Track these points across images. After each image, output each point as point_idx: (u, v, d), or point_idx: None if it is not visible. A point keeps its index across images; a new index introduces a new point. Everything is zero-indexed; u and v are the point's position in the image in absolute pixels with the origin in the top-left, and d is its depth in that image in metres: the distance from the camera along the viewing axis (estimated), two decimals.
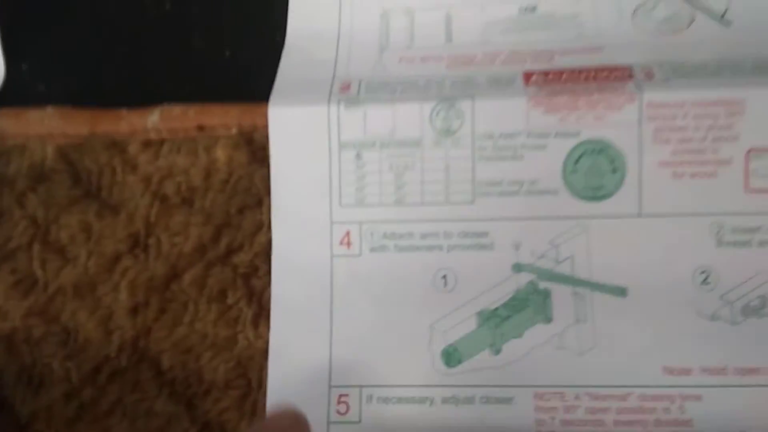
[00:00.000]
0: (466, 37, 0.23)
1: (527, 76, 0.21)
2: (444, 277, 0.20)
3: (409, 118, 0.20)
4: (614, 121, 0.20)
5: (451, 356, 0.20)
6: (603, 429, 0.19)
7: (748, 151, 0.20)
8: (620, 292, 0.20)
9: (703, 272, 0.20)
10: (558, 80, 0.21)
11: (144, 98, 0.22)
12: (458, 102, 0.20)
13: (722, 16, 0.21)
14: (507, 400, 0.19)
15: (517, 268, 0.20)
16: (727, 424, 0.19)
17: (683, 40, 0.21)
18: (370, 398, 0.20)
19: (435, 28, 0.23)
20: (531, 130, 0.20)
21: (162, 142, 0.22)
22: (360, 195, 0.21)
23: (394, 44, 0.22)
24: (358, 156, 0.21)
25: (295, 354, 0.20)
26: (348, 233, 0.21)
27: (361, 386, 0.20)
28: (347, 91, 0.21)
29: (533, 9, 0.23)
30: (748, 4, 0.21)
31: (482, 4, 0.23)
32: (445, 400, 0.20)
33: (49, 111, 0.23)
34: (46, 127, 0.22)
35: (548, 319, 0.20)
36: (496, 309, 0.20)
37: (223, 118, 0.22)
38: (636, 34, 0.22)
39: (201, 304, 0.21)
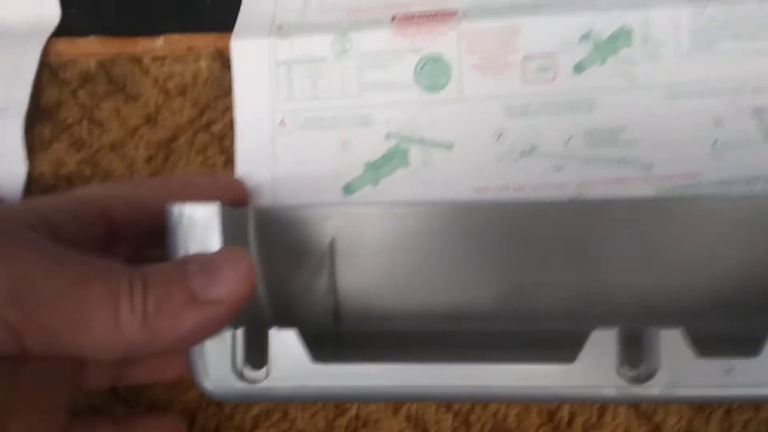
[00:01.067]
0: None
1: (393, 18, 0.34)
2: (344, 143, 0.33)
3: (320, 44, 0.33)
4: (443, 41, 0.33)
5: (348, 188, 0.33)
6: None
7: (524, 57, 0.33)
8: (449, 146, 0.33)
9: (498, 132, 0.33)
10: (411, 19, 0.33)
11: (153, 29, 0.35)
12: (349, 33, 0.33)
13: None
14: None
15: (388, 135, 0.33)
16: None
17: None
18: None
19: None
20: (394, 49, 0.33)
21: (165, 57, 0.35)
22: (290, 94, 0.33)
23: (312, 1, 0.35)
24: (289, 69, 0.33)
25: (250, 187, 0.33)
26: (283, 118, 0.33)
27: None
28: (282, 29, 0.34)
29: None
30: None
31: None
32: None
33: (92, 39, 0.36)
34: (90, 48, 0.35)
35: (407, 165, 0.33)
36: (376, 160, 0.33)
37: (205, 42, 0.35)
38: None
39: (191, 156, 0.34)
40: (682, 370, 0.20)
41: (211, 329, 0.21)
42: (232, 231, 0.28)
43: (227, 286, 0.20)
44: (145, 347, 0.20)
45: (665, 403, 0.28)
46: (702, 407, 0.29)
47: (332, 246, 0.30)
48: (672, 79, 0.32)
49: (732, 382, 0.20)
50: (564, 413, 0.30)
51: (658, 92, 0.32)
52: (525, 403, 0.29)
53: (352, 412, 0.30)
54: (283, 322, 0.24)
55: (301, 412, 0.30)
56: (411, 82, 0.33)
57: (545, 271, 0.29)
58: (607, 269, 0.29)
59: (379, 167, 0.33)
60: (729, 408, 0.29)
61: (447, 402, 0.29)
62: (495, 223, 0.30)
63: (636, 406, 0.29)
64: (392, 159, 0.33)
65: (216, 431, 0.31)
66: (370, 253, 0.30)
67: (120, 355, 0.20)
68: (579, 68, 0.33)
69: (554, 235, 0.29)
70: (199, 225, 0.22)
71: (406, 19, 0.33)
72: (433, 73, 0.33)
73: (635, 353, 0.21)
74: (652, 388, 0.20)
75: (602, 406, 0.30)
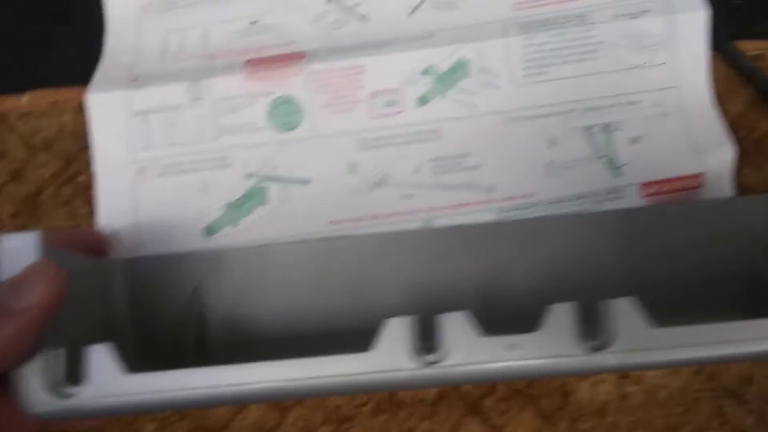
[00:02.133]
0: (214, 42, 0.37)
1: (246, 63, 0.35)
2: (204, 186, 0.34)
3: (174, 93, 0.34)
4: (293, 82, 0.34)
5: (210, 230, 0.34)
6: None
7: (370, 94, 0.35)
8: (306, 182, 0.34)
9: (351, 165, 0.34)
10: (262, 63, 0.35)
11: (19, 86, 0.36)
12: (201, 80, 0.34)
13: (358, 15, 0.36)
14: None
15: (247, 176, 0.35)
16: None
17: (335, 33, 0.36)
18: None
19: (194, 39, 0.37)
20: (246, 92, 0.34)
21: (30, 113, 0.36)
22: (147, 142, 0.34)
23: (170, 50, 0.36)
24: (145, 119, 0.34)
25: (114, 236, 0.34)
26: (142, 167, 0.34)
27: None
28: (137, 80, 0.35)
29: (256, 22, 0.37)
30: (375, 5, 0.36)
31: (226, 21, 0.37)
32: None
33: None
34: None
35: (266, 203, 0.34)
36: (236, 200, 0.34)
37: (69, 95, 0.36)
38: (314, 30, 0.36)
39: (56, 208, 0.34)
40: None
41: (31, 334, 0.22)
42: (101, 281, 0.29)
43: (34, 293, 0.22)
44: None
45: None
46: (550, 417, 0.31)
47: (198, 288, 0.31)
48: (509, 106, 0.34)
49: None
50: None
51: (497, 118, 0.34)
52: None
53: None
54: (149, 357, 0.25)
55: None
56: (265, 124, 0.35)
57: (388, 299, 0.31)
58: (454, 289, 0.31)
59: (238, 207, 0.34)
60: (575, 416, 0.31)
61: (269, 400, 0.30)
62: (351, 255, 0.32)
63: (487, 420, 0.31)
64: (251, 198, 0.34)
65: None
66: (233, 291, 0.32)
67: None
68: (423, 100, 0.35)
69: (399, 264, 0.31)
70: (19, 253, 0.23)
71: (258, 63, 0.35)
72: (285, 113, 0.35)
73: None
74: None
75: (456, 422, 0.31)
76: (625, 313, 0.22)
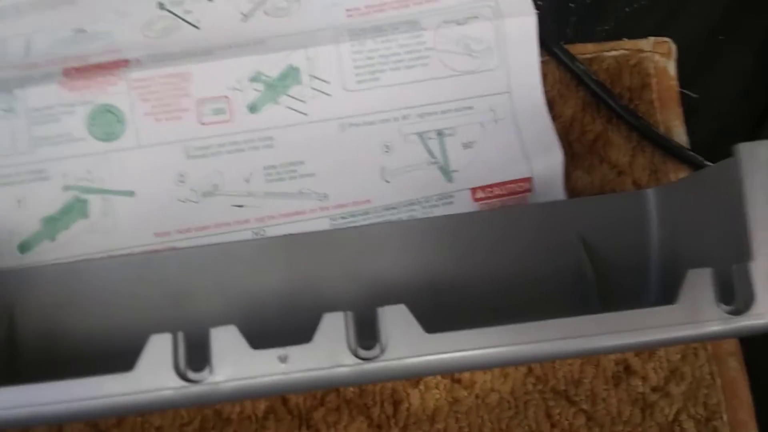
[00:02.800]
0: (37, 51, 0.35)
1: (65, 71, 0.33)
2: (18, 201, 0.32)
3: None
4: (113, 91, 0.33)
5: (24, 246, 0.32)
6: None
7: (198, 101, 0.34)
8: (130, 193, 0.33)
9: (180, 175, 0.33)
10: (81, 71, 0.33)
11: None
12: (14, 90, 0.33)
13: (189, 22, 0.35)
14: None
15: (66, 188, 0.33)
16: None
17: (164, 40, 0.35)
18: None
19: (16, 48, 0.35)
20: (63, 102, 0.33)
21: None
22: None
23: None
24: None
25: None
26: None
27: None
28: None
29: (83, 30, 0.35)
30: (208, 12, 0.35)
31: (50, 29, 0.35)
32: None
33: None
34: None
35: (86, 216, 0.32)
36: (53, 215, 0.32)
37: None
38: (143, 38, 0.35)
39: None
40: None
41: None
42: None
43: None
44: None
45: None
46: (381, 426, 0.30)
47: (8, 309, 0.29)
48: (342, 112, 0.34)
49: None
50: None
51: (330, 125, 0.34)
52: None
53: None
54: None
55: None
56: (85, 134, 0.33)
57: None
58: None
59: (56, 221, 0.32)
60: (406, 424, 0.30)
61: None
62: (169, 269, 0.30)
63: (315, 429, 0.30)
64: (71, 211, 0.32)
65: None
66: (48, 309, 0.30)
67: None
68: (254, 108, 0.34)
69: (222, 276, 0.30)
70: None
71: (77, 72, 0.33)
72: (106, 123, 0.33)
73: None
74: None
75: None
76: (396, 320, 0.21)
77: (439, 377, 0.30)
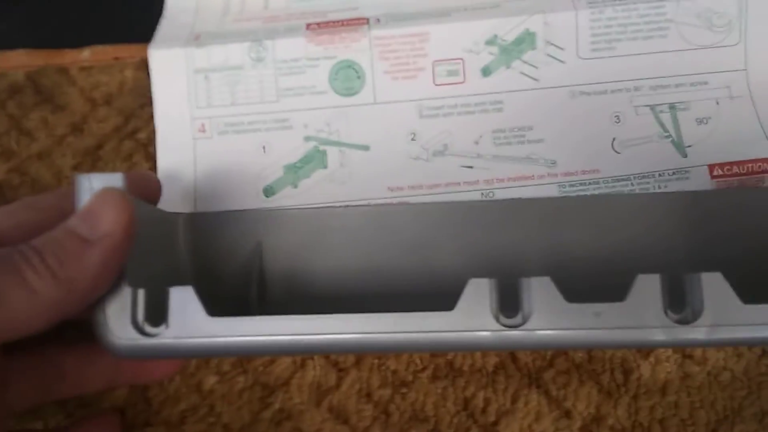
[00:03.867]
0: (276, 5, 0.36)
1: (308, 26, 0.35)
2: (264, 147, 0.34)
3: (236, 52, 0.34)
4: (356, 48, 0.34)
5: (269, 191, 0.34)
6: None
7: (434, 62, 0.34)
8: (365, 147, 0.34)
9: (412, 133, 0.34)
10: (325, 27, 0.35)
11: (80, 41, 0.36)
12: (264, 41, 0.34)
13: None
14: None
15: (306, 138, 0.34)
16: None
17: (403, 0, 0.36)
18: None
19: (257, 0, 0.37)
20: (308, 55, 0.34)
21: (91, 67, 0.36)
22: (209, 101, 0.34)
23: (231, 11, 0.36)
24: (206, 77, 0.34)
25: (173, 191, 0.33)
26: (203, 124, 0.34)
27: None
28: (199, 39, 0.35)
29: None
30: None
31: None
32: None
33: (20, 51, 0.37)
34: (18, 61, 0.36)
35: (325, 166, 0.34)
36: (295, 163, 0.34)
37: (130, 52, 0.36)
38: None
39: (117, 163, 0.34)
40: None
41: (116, 260, 0.22)
42: (165, 231, 0.29)
43: (109, 219, 0.22)
44: (65, 301, 0.21)
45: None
46: (610, 393, 0.30)
47: (259, 246, 0.31)
48: (574, 80, 0.34)
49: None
50: (479, 400, 0.31)
51: (561, 92, 0.34)
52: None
53: (276, 405, 0.31)
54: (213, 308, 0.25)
55: (227, 406, 0.31)
56: (327, 88, 0.34)
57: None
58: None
59: (298, 169, 0.34)
60: (636, 393, 0.30)
61: (348, 352, 0.30)
62: (409, 222, 0.31)
63: (547, 392, 0.31)
64: (311, 161, 0.34)
65: (145, 426, 0.31)
66: (292, 250, 0.31)
67: (46, 318, 0.21)
68: (486, 71, 0.34)
69: (460, 233, 0.31)
70: None
71: (320, 27, 0.35)
72: (347, 78, 0.34)
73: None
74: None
75: (515, 393, 0.31)
76: (713, 288, 0.21)
77: (670, 351, 0.30)
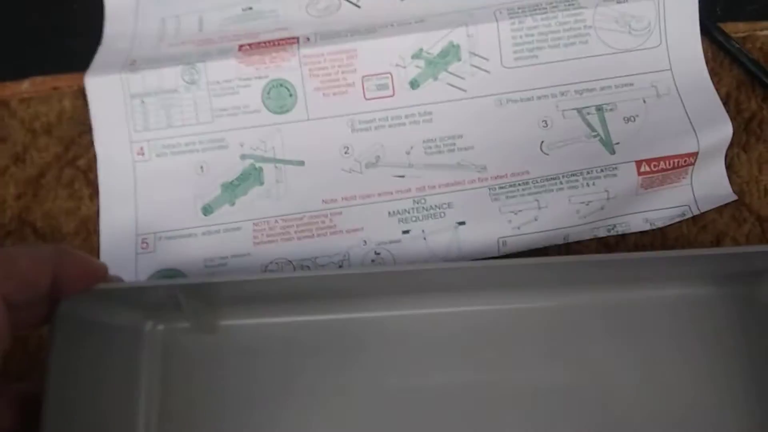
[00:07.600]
0: (210, 28, 0.37)
1: (240, 47, 0.36)
2: (201, 167, 0.35)
3: (169, 76, 0.35)
4: (286, 67, 0.35)
5: (207, 209, 0.34)
6: (290, 236, 0.34)
7: (363, 77, 0.35)
8: (300, 163, 0.35)
9: (345, 147, 0.35)
10: (256, 47, 0.36)
11: (20, 72, 0.37)
12: (197, 64, 0.35)
13: (350, 1, 0.37)
14: (237, 228, 0.34)
15: (243, 157, 0.35)
16: (353, 225, 0.34)
17: (328, 19, 0.37)
18: (159, 238, 0.34)
19: (190, 24, 0.38)
20: (240, 76, 0.35)
21: (31, 98, 0.37)
22: (146, 124, 0.35)
23: (167, 35, 0.37)
24: (142, 101, 0.35)
25: (115, 215, 0.34)
26: (141, 147, 0.35)
27: (154, 232, 0.34)
28: (134, 64, 0.36)
29: (250, 8, 0.38)
30: None
31: (221, 7, 0.38)
32: (204, 233, 0.34)
33: None
34: None
35: (261, 183, 0.35)
36: (232, 181, 0.35)
37: (68, 81, 0.37)
38: (307, 16, 0.37)
39: (59, 190, 0.35)
40: None
41: None
42: None
43: None
44: None
45: None
46: None
47: None
48: (500, 89, 0.35)
49: None
50: None
51: (489, 101, 0.35)
52: None
53: None
54: None
55: None
56: (260, 106, 0.35)
57: None
58: None
59: (235, 187, 0.35)
60: None
61: None
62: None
63: None
64: (248, 179, 0.35)
65: None
66: None
67: None
68: (415, 84, 0.35)
69: None
70: None
71: (251, 48, 0.36)
72: (279, 96, 0.35)
73: None
74: None
75: None
76: None
77: None
